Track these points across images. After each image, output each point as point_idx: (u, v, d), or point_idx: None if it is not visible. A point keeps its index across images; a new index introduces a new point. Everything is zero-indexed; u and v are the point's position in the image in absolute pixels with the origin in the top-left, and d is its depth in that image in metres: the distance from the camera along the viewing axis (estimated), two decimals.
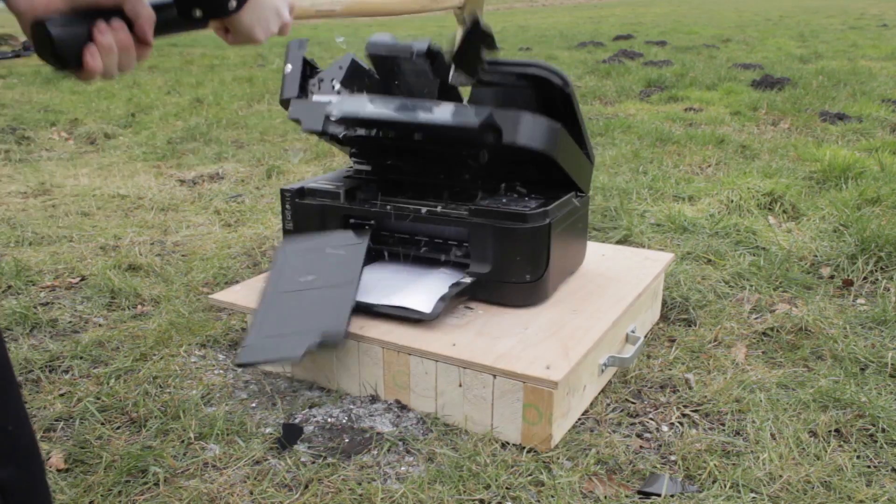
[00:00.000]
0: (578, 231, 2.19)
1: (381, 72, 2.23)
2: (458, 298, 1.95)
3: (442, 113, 1.92)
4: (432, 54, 2.12)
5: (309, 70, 2.22)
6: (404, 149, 2.21)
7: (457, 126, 1.88)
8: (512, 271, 1.95)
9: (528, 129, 1.91)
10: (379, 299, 1.97)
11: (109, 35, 0.93)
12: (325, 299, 1.84)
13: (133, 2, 0.95)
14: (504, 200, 2.02)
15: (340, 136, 2.15)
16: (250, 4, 1.08)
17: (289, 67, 2.18)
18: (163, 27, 0.99)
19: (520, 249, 1.93)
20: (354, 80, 2.21)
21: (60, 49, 0.89)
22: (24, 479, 1.01)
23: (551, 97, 2.02)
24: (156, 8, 0.97)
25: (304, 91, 2.19)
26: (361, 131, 2.15)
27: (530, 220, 1.91)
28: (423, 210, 2.07)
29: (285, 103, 2.18)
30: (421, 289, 2.04)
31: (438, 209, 2.06)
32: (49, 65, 0.91)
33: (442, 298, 1.90)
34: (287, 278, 1.95)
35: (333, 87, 2.16)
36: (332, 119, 2.03)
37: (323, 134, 2.19)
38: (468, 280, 1.98)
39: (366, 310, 1.90)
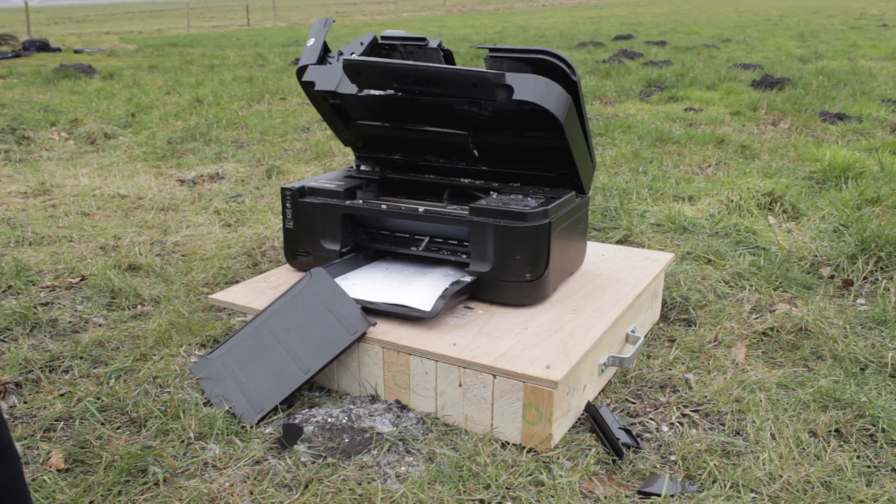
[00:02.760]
0: (578, 231, 2.19)
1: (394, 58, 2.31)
2: (457, 297, 1.95)
3: (455, 69, 1.97)
4: (444, 49, 2.20)
5: (326, 50, 2.31)
6: (413, 106, 2.23)
7: (470, 73, 1.90)
8: (512, 270, 1.95)
9: (541, 90, 1.93)
10: (379, 297, 1.97)
11: None
12: (282, 366, 1.89)
13: None
14: (504, 199, 2.02)
15: (355, 93, 2.18)
16: None
17: (311, 41, 2.27)
18: None
19: (520, 248, 1.93)
20: (373, 56, 2.28)
21: None
22: (3, 477, 1.02)
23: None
24: None
25: (321, 63, 2.27)
26: (375, 92, 2.19)
27: (530, 218, 1.91)
28: (422, 209, 2.07)
29: (301, 71, 2.26)
30: (421, 287, 2.04)
31: (438, 208, 2.06)
32: None
33: (442, 296, 1.90)
34: (284, 312, 1.98)
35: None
36: (352, 63, 2.04)
37: (336, 95, 2.25)
38: (468, 279, 1.98)
39: (366, 308, 1.90)
